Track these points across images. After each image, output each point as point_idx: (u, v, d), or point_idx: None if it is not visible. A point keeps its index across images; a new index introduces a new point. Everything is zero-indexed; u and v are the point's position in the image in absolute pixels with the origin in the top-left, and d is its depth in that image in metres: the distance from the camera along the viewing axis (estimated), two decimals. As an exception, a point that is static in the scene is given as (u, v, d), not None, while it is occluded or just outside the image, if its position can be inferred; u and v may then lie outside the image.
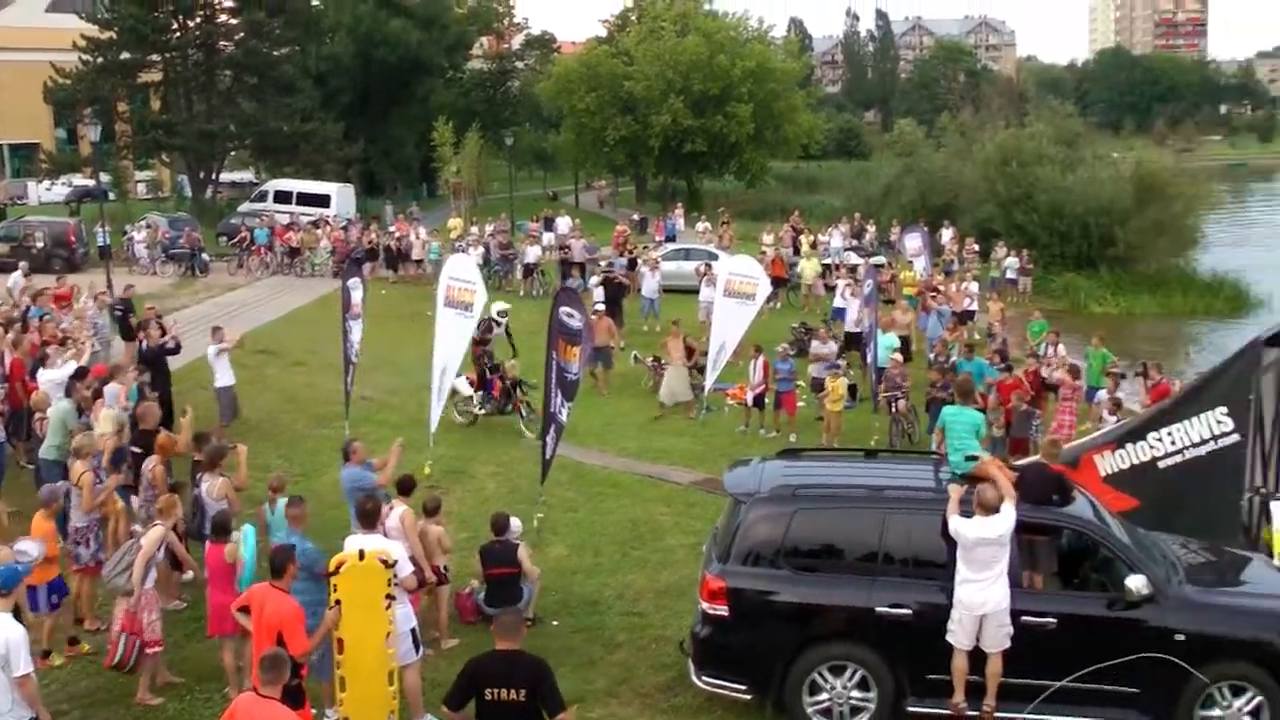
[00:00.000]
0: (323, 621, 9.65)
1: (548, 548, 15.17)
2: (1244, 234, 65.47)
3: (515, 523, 13.49)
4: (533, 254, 37.99)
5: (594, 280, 31.02)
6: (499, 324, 23.19)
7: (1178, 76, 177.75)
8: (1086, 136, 54.54)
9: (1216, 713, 10.22)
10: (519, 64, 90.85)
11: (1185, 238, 43.99)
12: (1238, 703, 10.18)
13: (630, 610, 13.44)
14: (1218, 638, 10.30)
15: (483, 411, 21.50)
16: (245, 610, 9.62)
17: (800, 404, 22.07)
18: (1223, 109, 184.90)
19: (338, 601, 9.68)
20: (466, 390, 21.53)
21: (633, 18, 77.64)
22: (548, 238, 43.41)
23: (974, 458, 11.17)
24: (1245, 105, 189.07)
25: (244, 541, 10.87)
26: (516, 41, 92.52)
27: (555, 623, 12.98)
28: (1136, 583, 10.16)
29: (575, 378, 15.75)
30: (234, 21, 58.85)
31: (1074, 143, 50.12)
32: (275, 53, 59.70)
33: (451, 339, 18.46)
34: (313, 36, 64.63)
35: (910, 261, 35.24)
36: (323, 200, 51.60)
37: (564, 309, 15.64)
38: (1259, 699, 10.12)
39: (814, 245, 39.94)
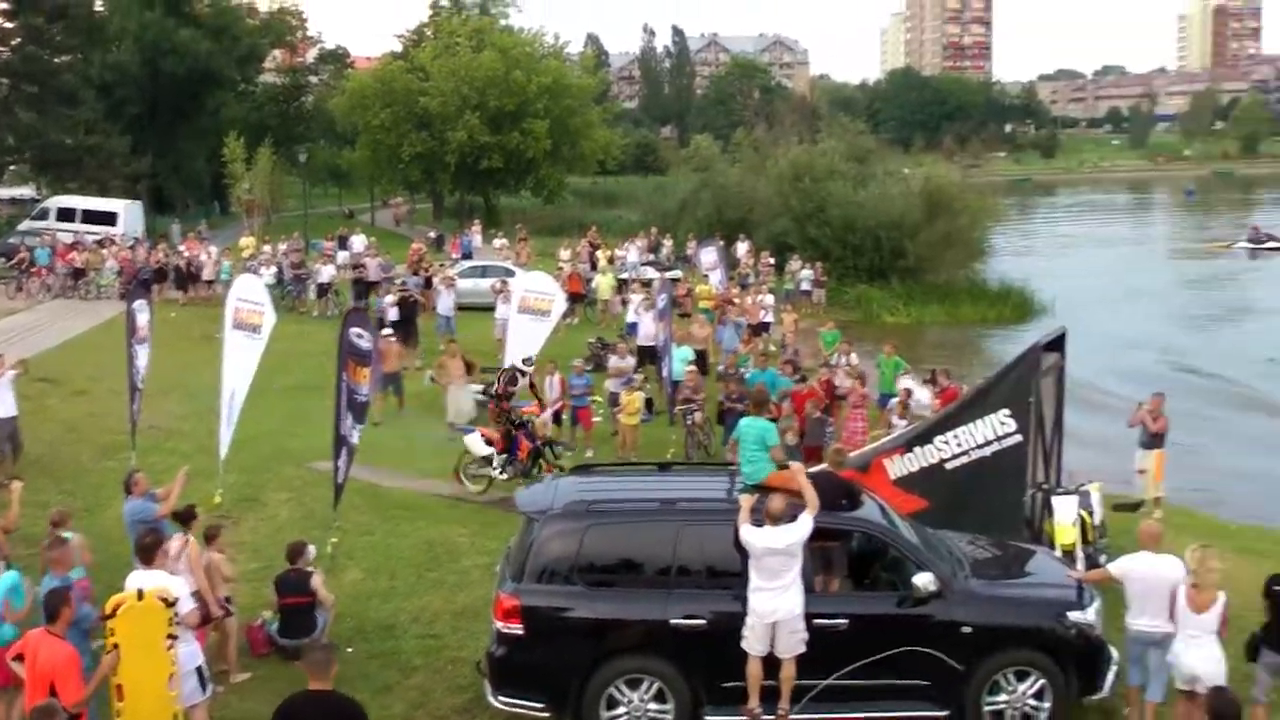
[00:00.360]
0: (98, 668, 9.08)
1: (343, 573, 14.69)
2: (1029, 244, 68.58)
3: (310, 549, 13.05)
4: (326, 273, 37.07)
5: (389, 299, 30.29)
6: (524, 374, 20.72)
7: (965, 96, 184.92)
8: (878, 153, 55.89)
9: (1003, 698, 10.51)
10: (313, 79, 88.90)
11: (973, 249, 45.58)
12: (1022, 687, 10.50)
13: (426, 633, 13.12)
14: (1002, 627, 10.66)
15: (504, 476, 18.52)
16: (20, 659, 8.95)
17: (596, 419, 21.91)
18: (1008, 128, 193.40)
19: (115, 645, 9.09)
20: (482, 449, 18.68)
21: (428, 33, 77.04)
22: (342, 256, 42.44)
23: (785, 466, 11.21)
24: (1029, 124, 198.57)
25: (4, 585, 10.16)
26: (310, 56, 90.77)
27: (350, 649, 12.53)
28: (923, 580, 10.41)
29: (365, 399, 15.46)
30: (9, 25, 56.04)
31: (866, 159, 51.24)
32: (56, 60, 57.23)
33: (240, 362, 17.64)
34: (96, 44, 62.09)
35: (706, 275, 35.61)
36: (108, 218, 49.18)
37: (354, 329, 15.32)
38: (1041, 682, 10.48)
39: (611, 260, 40.04)
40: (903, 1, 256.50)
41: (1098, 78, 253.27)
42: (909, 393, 20.05)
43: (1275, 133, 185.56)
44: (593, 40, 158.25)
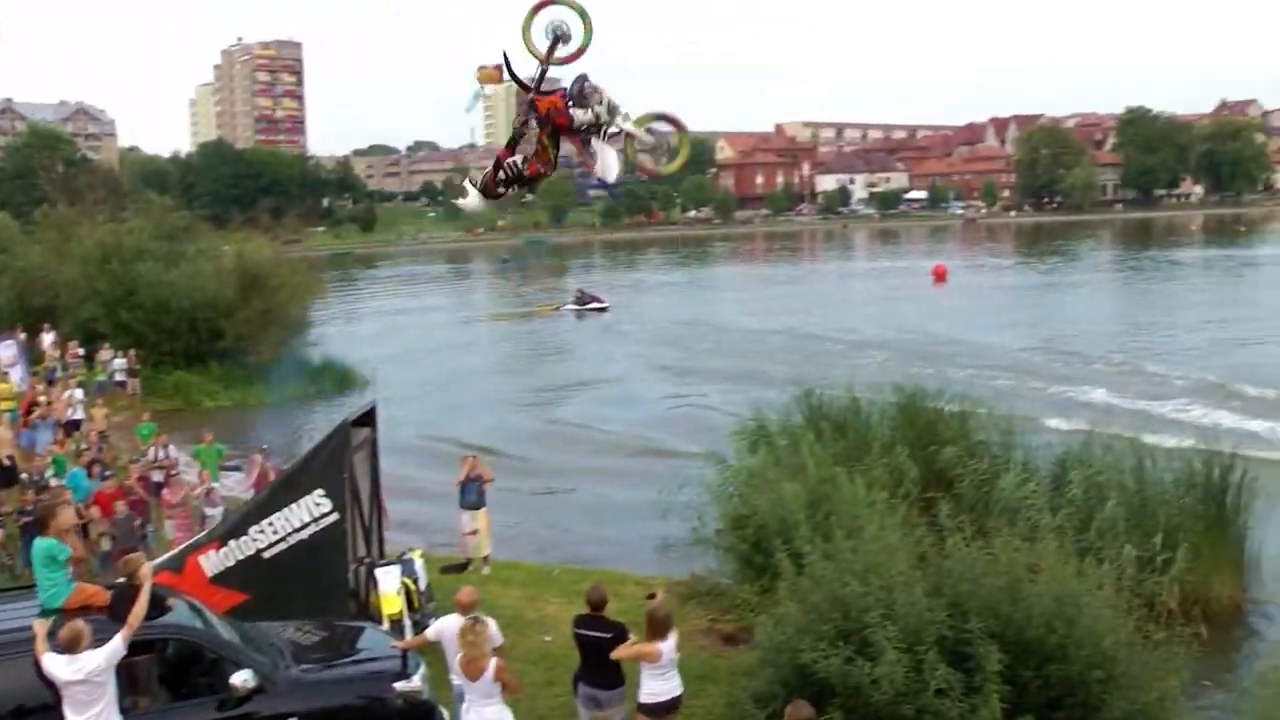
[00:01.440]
0: None
1: None
2: (352, 318, 69.65)
3: None
4: None
5: None
6: None
7: (280, 170, 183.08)
8: (193, 230, 54.15)
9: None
10: None
11: (294, 326, 45.39)
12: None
13: None
14: (330, 709, 10.63)
15: None
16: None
17: None
18: (325, 202, 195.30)
19: None
20: None
21: None
22: None
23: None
24: (347, 198, 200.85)
25: None
26: None
27: None
28: (241, 678, 10.13)
29: None
30: None
31: (177, 237, 49.40)
32: None
33: None
34: None
35: (6, 372, 32.61)
36: None
37: None
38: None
39: None
40: (211, 72, 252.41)
41: (411, 152, 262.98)
42: (211, 488, 19.49)
43: (581, 203, 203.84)
44: None
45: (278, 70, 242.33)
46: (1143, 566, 15.35)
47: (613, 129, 8.89)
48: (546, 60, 8.89)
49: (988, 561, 11.80)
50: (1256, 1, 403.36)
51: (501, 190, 9.21)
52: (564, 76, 9.02)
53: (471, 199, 9.37)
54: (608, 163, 8.93)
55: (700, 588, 17.04)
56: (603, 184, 9.09)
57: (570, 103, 8.80)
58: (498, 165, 9.14)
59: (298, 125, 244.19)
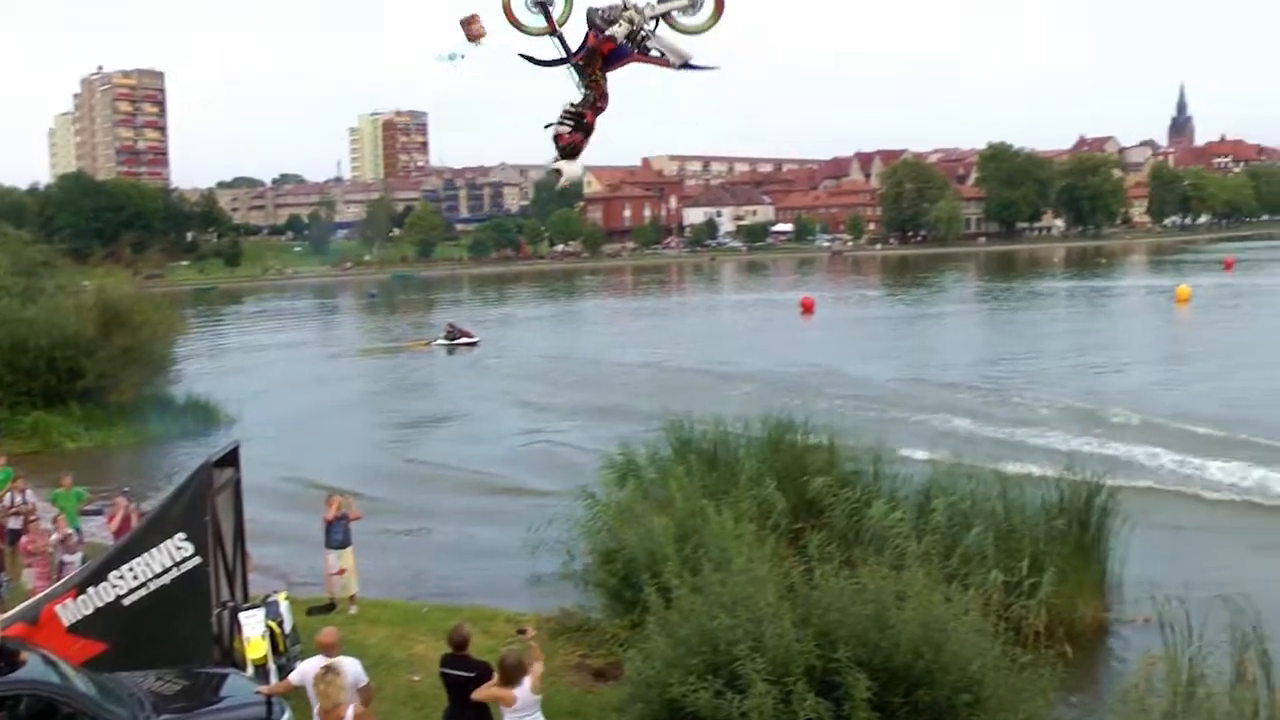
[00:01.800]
0: None
1: None
2: (218, 354, 68.30)
3: None
4: None
5: None
6: None
7: (143, 203, 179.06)
8: (52, 265, 52.73)
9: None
10: None
11: (157, 363, 44.33)
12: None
13: None
14: None
15: None
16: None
17: None
18: (189, 236, 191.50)
19: None
20: None
21: None
22: None
23: None
24: (211, 232, 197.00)
25: None
26: None
27: None
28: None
29: None
30: None
31: (36, 272, 48.21)
32: None
33: None
34: None
35: None
36: None
37: None
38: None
39: None
40: (70, 102, 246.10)
41: (277, 185, 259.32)
42: (68, 535, 18.96)
43: (448, 237, 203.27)
44: None
45: (140, 100, 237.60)
46: (1011, 590, 15.91)
47: (648, 25, 9.12)
48: (554, 29, 9.12)
49: (855, 591, 12.01)
50: (1113, 42, 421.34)
51: (580, 137, 9.28)
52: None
53: (567, 166, 9.35)
54: (678, 49, 9.22)
55: (570, 623, 17.12)
56: (693, 66, 9.28)
57: (601, 32, 9.00)
58: (565, 128, 9.24)
59: (160, 157, 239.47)
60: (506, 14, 9.11)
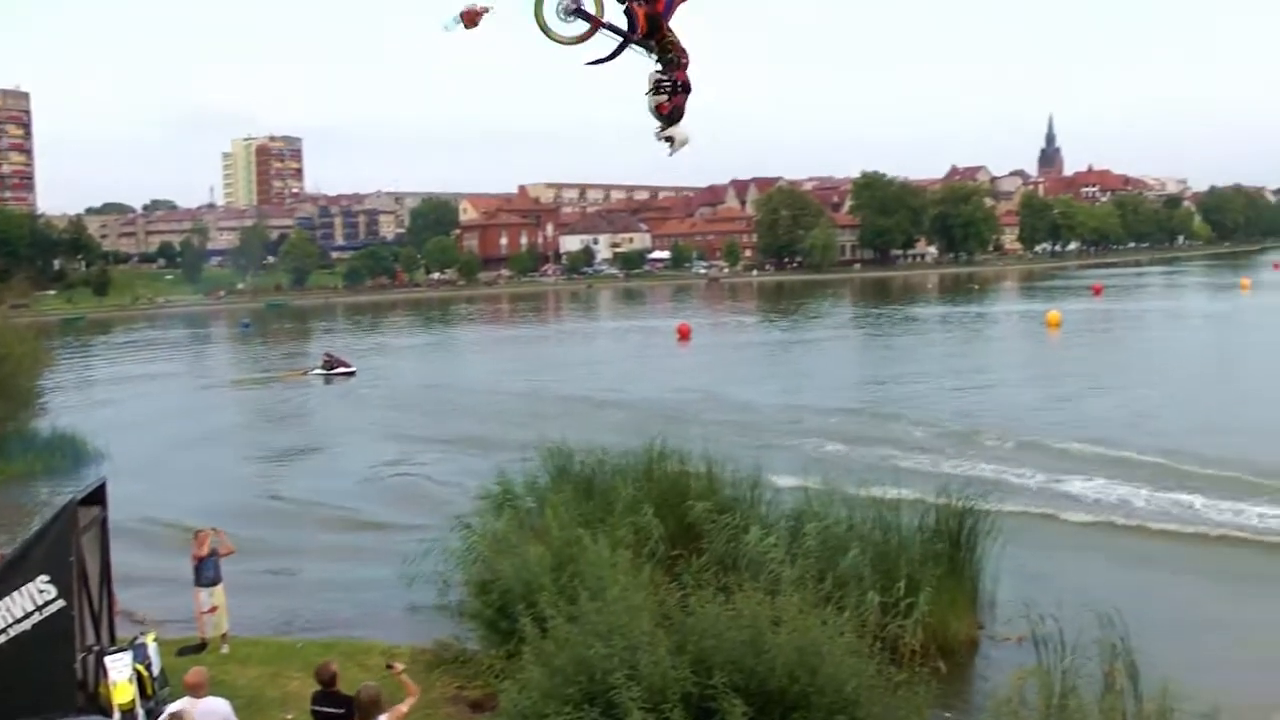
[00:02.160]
0: None
1: None
2: (86, 386, 66.58)
3: None
4: None
5: None
6: None
7: (8, 229, 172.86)
8: (-91, 296, 51.06)
9: None
10: None
11: (21, 397, 43.09)
12: None
13: None
14: None
15: None
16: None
17: None
18: (56, 264, 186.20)
19: None
20: None
21: None
22: None
23: None
24: (79, 260, 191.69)
25: None
26: None
27: None
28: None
29: None
30: None
31: (-109, 304, 46.64)
32: None
33: None
34: None
35: None
36: None
37: None
38: None
39: None
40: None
41: (148, 211, 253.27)
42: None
43: (323, 265, 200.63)
44: None
45: (4, 122, 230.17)
46: (888, 611, 16.32)
47: None
48: (600, 24, 8.72)
49: (730, 616, 12.17)
50: (983, 74, 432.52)
51: (681, 98, 8.99)
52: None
53: (676, 131, 9.07)
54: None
55: (446, 655, 17.05)
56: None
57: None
58: (663, 97, 8.99)
59: (26, 181, 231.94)
60: (540, 24, 8.73)
